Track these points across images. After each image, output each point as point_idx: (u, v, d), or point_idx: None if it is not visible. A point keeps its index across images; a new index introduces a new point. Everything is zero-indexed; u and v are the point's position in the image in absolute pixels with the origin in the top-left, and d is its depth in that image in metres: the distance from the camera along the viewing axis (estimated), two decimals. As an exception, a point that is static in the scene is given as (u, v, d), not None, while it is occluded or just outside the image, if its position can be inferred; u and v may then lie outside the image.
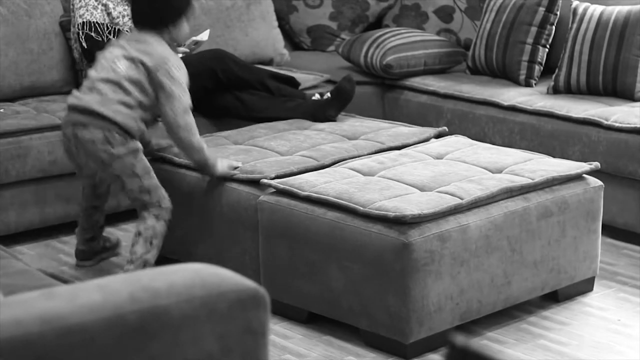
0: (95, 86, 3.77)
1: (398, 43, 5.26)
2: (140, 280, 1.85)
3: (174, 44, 3.93)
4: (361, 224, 3.37)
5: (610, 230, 4.40)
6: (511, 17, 5.05)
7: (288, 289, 3.61)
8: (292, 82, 4.84)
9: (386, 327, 3.36)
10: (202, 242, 3.95)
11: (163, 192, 3.83)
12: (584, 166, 3.79)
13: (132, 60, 3.77)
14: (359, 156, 3.98)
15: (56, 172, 4.42)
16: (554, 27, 5.01)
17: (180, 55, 4.75)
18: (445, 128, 4.38)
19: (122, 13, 4.81)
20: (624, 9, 4.71)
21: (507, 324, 3.61)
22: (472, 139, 4.28)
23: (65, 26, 4.94)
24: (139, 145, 3.82)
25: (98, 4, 4.77)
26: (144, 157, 3.82)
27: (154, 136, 4.13)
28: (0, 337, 1.66)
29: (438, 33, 5.73)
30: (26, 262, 2.97)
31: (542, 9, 4.99)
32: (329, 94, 4.54)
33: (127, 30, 4.80)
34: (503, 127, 4.77)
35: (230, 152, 4.01)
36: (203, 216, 3.91)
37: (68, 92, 4.93)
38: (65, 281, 2.74)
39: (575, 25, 4.78)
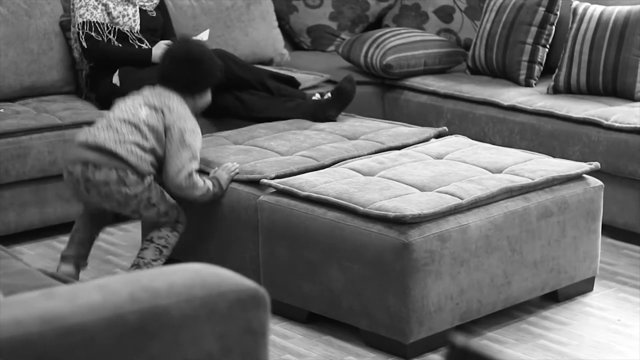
0: (112, 125, 3.74)
1: (398, 43, 5.26)
2: (140, 280, 1.85)
3: (194, 110, 3.90)
4: (361, 224, 3.37)
5: (610, 230, 4.40)
6: (511, 17, 5.05)
7: (288, 289, 3.61)
8: (292, 82, 4.84)
9: (386, 327, 3.36)
10: (202, 242, 3.95)
11: (179, 209, 3.84)
12: (584, 166, 3.79)
13: (153, 108, 3.76)
14: (358, 156, 3.98)
15: (56, 172, 4.42)
16: (554, 27, 5.01)
17: None
18: (445, 128, 4.38)
19: (122, 13, 4.81)
20: (624, 9, 4.71)
21: (507, 324, 3.61)
22: (472, 139, 4.28)
23: (65, 26, 4.94)
24: (151, 178, 3.78)
25: (98, 4, 4.77)
26: (157, 185, 3.80)
27: None
28: (0, 337, 1.66)
29: (438, 33, 5.73)
30: (26, 262, 2.97)
31: (542, 9, 4.99)
32: (329, 94, 4.54)
33: (127, 30, 4.81)
34: (503, 127, 4.77)
35: (230, 152, 4.01)
36: (203, 216, 3.91)
37: (68, 92, 4.96)
38: (65, 281, 2.74)
39: (575, 25, 4.78)
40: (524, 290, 3.60)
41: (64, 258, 3.90)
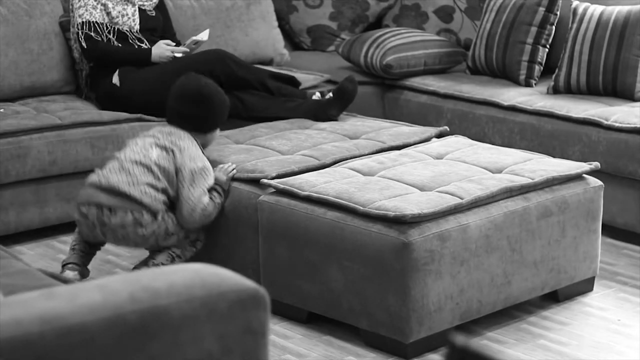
0: (124, 166, 3.74)
1: (398, 43, 5.26)
2: (140, 280, 1.85)
3: (204, 145, 3.92)
4: (361, 224, 3.37)
5: (610, 230, 4.40)
6: (511, 17, 5.05)
7: (288, 289, 3.61)
8: (293, 82, 4.84)
9: (386, 327, 3.36)
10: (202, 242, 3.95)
11: (198, 229, 3.85)
12: (584, 166, 3.79)
13: (164, 149, 3.77)
14: (360, 155, 3.98)
15: (56, 172, 4.42)
16: (554, 27, 5.01)
17: (180, 54, 4.76)
18: (447, 128, 4.38)
19: (122, 12, 4.81)
20: (624, 9, 4.71)
21: (507, 324, 3.61)
22: (472, 139, 4.28)
23: (65, 26, 4.94)
24: (164, 212, 3.78)
25: (97, 4, 4.77)
26: (170, 215, 3.79)
27: None
28: (0, 337, 1.66)
29: (438, 33, 5.73)
30: (26, 262, 2.97)
31: (542, 9, 4.99)
32: (330, 94, 4.55)
33: (126, 30, 4.80)
34: (503, 127, 4.77)
35: (231, 152, 4.01)
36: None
37: (68, 92, 4.97)
38: (65, 281, 2.74)
39: (575, 25, 4.78)
40: (524, 290, 3.60)
41: (66, 265, 3.86)
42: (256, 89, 4.66)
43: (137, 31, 4.83)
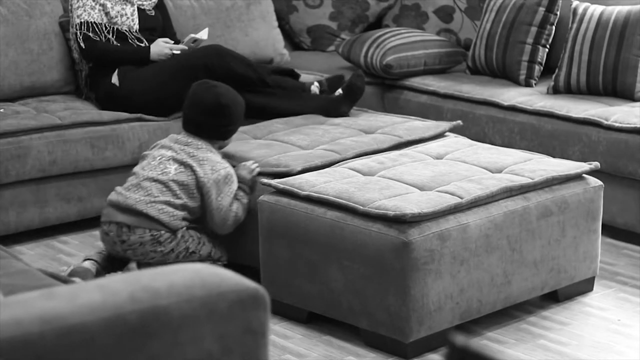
0: (142, 184, 3.78)
1: (398, 43, 5.26)
2: (140, 280, 1.85)
3: (220, 148, 3.96)
4: (361, 223, 3.37)
5: (610, 230, 4.40)
6: (511, 17, 5.05)
7: (288, 289, 3.61)
8: (292, 74, 4.88)
9: (386, 327, 3.36)
10: (202, 242, 3.95)
11: (221, 248, 3.90)
12: (584, 166, 3.79)
13: (182, 164, 3.79)
14: (379, 150, 4.05)
15: (56, 172, 4.42)
16: (554, 27, 5.01)
17: (179, 52, 4.76)
18: (460, 122, 4.42)
19: (120, 12, 4.80)
20: (624, 9, 4.71)
21: (507, 324, 3.61)
22: (472, 139, 4.29)
23: (65, 26, 4.94)
24: (184, 230, 3.82)
25: (96, 4, 4.77)
26: (192, 233, 3.83)
27: None
28: (0, 337, 1.66)
29: (438, 33, 5.73)
30: (26, 262, 2.97)
31: (542, 9, 4.99)
32: (340, 91, 4.62)
33: (125, 30, 4.80)
34: (503, 127, 4.77)
35: (252, 147, 4.06)
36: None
37: (68, 92, 4.97)
38: (65, 281, 2.74)
39: (575, 25, 4.78)
40: (524, 290, 3.60)
41: (87, 260, 3.88)
42: (254, 83, 4.65)
43: (136, 31, 4.83)
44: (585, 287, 3.85)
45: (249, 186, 3.83)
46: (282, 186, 3.61)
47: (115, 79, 4.71)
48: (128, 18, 4.81)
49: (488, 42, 5.11)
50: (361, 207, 3.38)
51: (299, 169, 3.79)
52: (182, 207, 3.77)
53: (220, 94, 3.88)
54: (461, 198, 3.42)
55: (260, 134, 4.25)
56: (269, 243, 3.64)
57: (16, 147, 4.32)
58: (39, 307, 1.74)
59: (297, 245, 3.54)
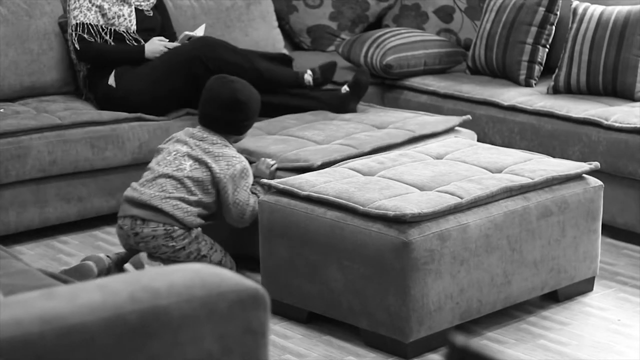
0: (157, 180, 3.81)
1: (398, 43, 5.26)
2: (140, 280, 1.84)
3: (235, 142, 4.01)
4: (361, 224, 3.37)
5: (610, 230, 4.40)
6: (511, 17, 5.05)
7: (288, 289, 3.61)
8: (285, 60, 4.91)
9: (386, 327, 3.36)
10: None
11: (231, 259, 3.93)
12: (584, 166, 3.79)
13: (197, 160, 3.82)
14: (394, 144, 4.12)
15: (56, 172, 4.42)
16: (554, 27, 5.01)
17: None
18: (469, 116, 4.47)
19: (118, 13, 4.79)
20: (624, 9, 4.71)
21: (507, 324, 3.61)
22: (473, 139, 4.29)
23: (64, 27, 4.94)
24: (199, 230, 3.86)
25: (92, 6, 4.76)
26: (206, 237, 3.87)
27: None
28: (0, 337, 1.66)
29: (438, 33, 5.73)
30: (26, 262, 2.97)
31: (542, 9, 4.99)
32: (346, 88, 4.69)
33: (123, 31, 4.79)
34: (503, 127, 4.77)
35: (269, 142, 4.12)
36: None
37: (68, 92, 4.97)
38: (65, 281, 2.74)
39: (575, 25, 4.78)
40: (524, 290, 3.60)
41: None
42: (247, 71, 4.65)
43: (134, 32, 4.82)
44: (585, 287, 3.85)
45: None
46: (282, 186, 3.61)
47: (112, 81, 4.71)
48: (125, 19, 4.80)
49: (488, 42, 5.11)
50: (361, 207, 3.38)
51: (319, 163, 3.87)
52: (197, 204, 3.80)
53: (237, 89, 3.91)
54: (461, 198, 3.42)
55: (274, 130, 4.31)
56: (269, 243, 3.64)
57: (16, 147, 4.32)
58: (39, 307, 1.74)
59: (297, 245, 3.55)
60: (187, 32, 4.83)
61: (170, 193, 3.78)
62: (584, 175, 3.80)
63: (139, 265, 3.75)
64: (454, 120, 4.43)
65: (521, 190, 3.58)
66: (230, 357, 1.89)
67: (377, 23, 5.98)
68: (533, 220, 3.57)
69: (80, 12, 4.75)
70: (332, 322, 3.59)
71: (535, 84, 4.99)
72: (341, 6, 5.90)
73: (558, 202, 3.65)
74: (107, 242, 4.41)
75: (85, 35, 4.74)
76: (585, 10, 4.79)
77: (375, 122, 4.44)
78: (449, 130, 4.42)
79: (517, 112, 4.74)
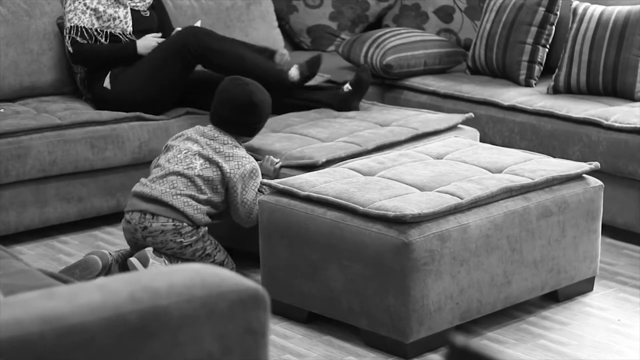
0: (167, 178, 3.83)
1: (398, 43, 5.26)
2: (140, 280, 1.84)
3: (244, 142, 4.05)
4: (361, 224, 3.37)
5: (610, 230, 4.40)
6: (511, 17, 5.05)
7: (288, 289, 3.61)
8: (268, 52, 4.93)
9: (386, 327, 3.36)
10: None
11: (231, 260, 3.95)
12: (584, 166, 3.79)
13: (208, 160, 3.84)
14: (398, 142, 4.15)
15: (56, 172, 4.42)
16: (554, 27, 5.01)
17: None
18: (472, 114, 4.49)
19: (113, 15, 4.78)
20: (624, 9, 4.71)
21: (507, 324, 3.61)
22: (472, 139, 4.29)
23: (62, 27, 4.93)
24: (206, 229, 3.88)
25: (86, 9, 4.75)
26: (211, 238, 3.89)
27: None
28: (0, 337, 1.66)
29: (438, 33, 5.73)
30: (26, 262, 2.97)
31: (542, 9, 4.99)
32: (349, 86, 4.72)
33: (119, 33, 4.78)
34: (503, 127, 4.77)
35: (274, 140, 4.15)
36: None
37: (68, 92, 4.96)
38: (65, 281, 2.74)
39: (575, 25, 4.78)
40: (524, 290, 3.60)
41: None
42: (230, 59, 4.65)
43: (130, 33, 4.81)
44: (585, 287, 3.85)
45: (272, 180, 3.88)
46: (282, 186, 3.61)
47: (107, 83, 4.71)
48: (121, 21, 4.79)
49: (488, 42, 5.11)
50: (361, 208, 3.38)
51: (324, 160, 3.89)
52: (206, 202, 3.84)
53: (253, 92, 3.95)
54: (461, 198, 3.42)
55: (279, 128, 4.34)
56: (269, 243, 3.64)
57: (16, 147, 4.32)
58: (39, 307, 1.74)
59: (297, 245, 3.54)
60: (179, 29, 4.82)
61: (181, 190, 3.80)
62: (584, 175, 3.80)
63: (144, 260, 3.75)
64: (456, 117, 4.45)
65: (521, 190, 3.58)
66: (230, 357, 1.89)
67: (377, 23, 5.98)
68: (533, 221, 3.57)
69: (75, 15, 4.74)
70: (332, 322, 3.59)
71: (535, 84, 4.99)
72: (341, 6, 5.90)
73: (558, 202, 3.65)
74: (107, 242, 4.41)
75: (79, 38, 4.73)
76: (585, 10, 4.79)
77: (379, 119, 4.47)
78: (452, 128, 4.43)
79: (517, 112, 4.74)
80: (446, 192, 3.47)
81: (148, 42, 4.75)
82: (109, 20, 4.77)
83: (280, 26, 5.86)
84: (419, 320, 3.32)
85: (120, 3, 4.81)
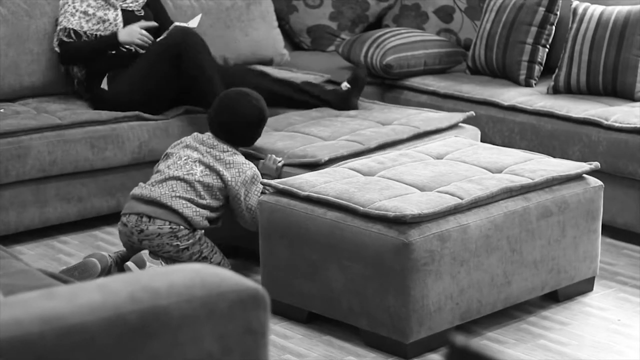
0: (167, 182, 3.85)
1: (398, 43, 5.26)
2: (140, 280, 1.84)
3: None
4: (361, 224, 3.37)
5: (610, 230, 4.40)
6: (511, 17, 5.05)
7: (288, 289, 3.61)
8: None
9: (386, 327, 3.36)
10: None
11: (228, 262, 3.96)
12: (584, 166, 3.79)
13: (208, 167, 3.86)
14: (400, 140, 4.16)
15: (56, 172, 4.42)
16: (554, 27, 5.01)
17: (149, 41, 4.74)
18: (473, 113, 4.50)
19: (103, 18, 4.77)
20: (624, 9, 4.71)
21: (507, 324, 3.61)
22: (473, 139, 4.30)
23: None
24: (202, 232, 3.90)
25: (76, 12, 4.75)
26: (208, 240, 3.90)
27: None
28: (0, 337, 1.66)
29: (438, 33, 5.73)
30: (26, 262, 2.97)
31: (542, 9, 4.99)
32: (347, 84, 4.73)
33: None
34: (503, 127, 4.77)
35: (276, 139, 4.17)
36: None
37: (68, 92, 4.96)
38: (65, 281, 2.74)
39: (575, 25, 4.78)
40: (524, 290, 3.60)
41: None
42: (221, 64, 4.68)
43: None
44: (585, 287, 3.85)
45: (274, 178, 3.89)
46: (282, 186, 3.61)
47: (104, 84, 4.71)
48: (111, 24, 4.77)
49: (488, 42, 5.11)
50: (361, 208, 3.38)
51: (326, 158, 3.89)
52: (205, 207, 3.86)
53: (264, 108, 4.00)
54: (461, 199, 3.42)
55: (280, 126, 4.35)
56: (269, 243, 3.64)
57: (16, 147, 4.32)
58: (39, 307, 1.74)
59: (297, 245, 3.54)
60: (177, 23, 4.81)
61: (181, 194, 3.82)
62: (584, 175, 3.80)
63: (140, 263, 3.75)
64: (458, 116, 4.46)
65: (521, 190, 3.58)
66: (230, 357, 1.89)
67: (377, 23, 5.98)
68: (533, 221, 3.57)
69: (64, 17, 4.75)
70: (332, 322, 3.59)
71: (535, 84, 4.99)
72: (341, 6, 5.90)
73: (558, 202, 3.65)
74: (107, 242, 4.41)
75: (65, 39, 4.73)
76: (585, 10, 4.79)
77: (380, 118, 4.47)
78: (453, 127, 4.43)
79: (517, 112, 4.74)
80: (446, 192, 3.47)
81: (130, 30, 4.73)
82: (98, 23, 4.76)
83: (280, 26, 5.86)
84: (419, 321, 3.32)
85: (110, 5, 4.79)
